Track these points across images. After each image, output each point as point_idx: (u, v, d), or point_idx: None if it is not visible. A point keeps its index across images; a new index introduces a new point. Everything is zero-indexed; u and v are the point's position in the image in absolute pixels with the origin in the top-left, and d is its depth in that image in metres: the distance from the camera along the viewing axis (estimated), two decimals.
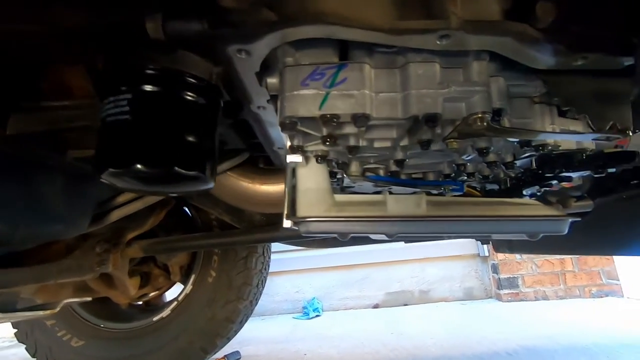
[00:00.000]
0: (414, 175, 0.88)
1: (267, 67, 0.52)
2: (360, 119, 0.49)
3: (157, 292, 2.14)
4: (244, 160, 1.19)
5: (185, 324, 1.92)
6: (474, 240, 3.77)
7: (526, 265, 3.45)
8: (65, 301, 1.17)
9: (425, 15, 0.43)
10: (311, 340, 2.63)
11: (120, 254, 1.36)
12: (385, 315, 3.27)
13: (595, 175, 0.68)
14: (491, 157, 0.66)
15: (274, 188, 1.28)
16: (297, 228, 0.63)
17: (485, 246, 3.66)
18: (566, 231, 0.62)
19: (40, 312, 1.09)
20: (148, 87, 0.48)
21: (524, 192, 0.82)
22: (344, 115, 0.49)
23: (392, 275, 3.79)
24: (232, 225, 1.64)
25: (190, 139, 0.50)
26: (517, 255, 3.48)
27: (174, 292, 2.11)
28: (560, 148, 0.59)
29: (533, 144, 0.57)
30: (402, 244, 3.85)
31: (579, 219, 0.61)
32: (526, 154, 0.64)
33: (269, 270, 2.43)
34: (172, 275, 2.04)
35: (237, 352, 2.26)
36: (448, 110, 0.50)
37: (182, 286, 2.04)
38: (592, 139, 0.56)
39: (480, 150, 0.58)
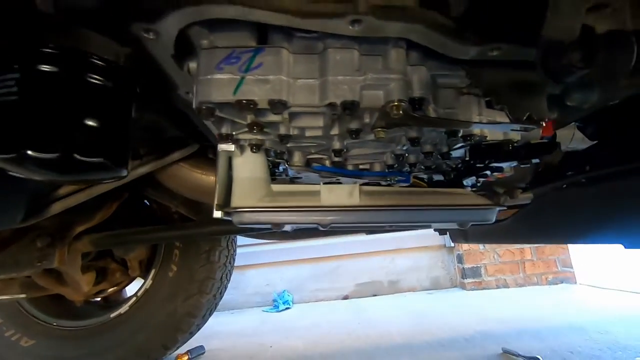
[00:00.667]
0: (361, 167, 0.88)
1: (187, 50, 0.50)
2: (276, 105, 0.48)
3: (115, 288, 2.06)
4: (196, 151, 1.16)
5: (144, 320, 1.87)
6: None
7: (489, 255, 3.59)
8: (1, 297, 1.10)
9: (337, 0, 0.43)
10: (278, 332, 2.63)
11: (67, 248, 1.29)
12: (354, 306, 3.32)
13: (521, 166, 0.70)
14: (427, 147, 0.67)
15: None
16: (229, 219, 0.61)
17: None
18: (493, 220, 0.64)
19: None
20: (41, 66, 0.44)
21: (465, 183, 0.84)
22: (260, 101, 0.48)
23: (362, 266, 3.85)
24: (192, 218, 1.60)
25: (92, 123, 0.47)
26: (481, 246, 3.62)
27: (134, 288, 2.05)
28: (487, 139, 0.60)
29: (460, 135, 0.58)
30: (372, 235, 3.92)
31: (504, 207, 0.63)
32: (458, 145, 0.65)
33: (240, 264, 2.40)
34: (130, 270, 1.97)
35: (202, 347, 2.22)
36: (366, 98, 0.50)
37: (143, 281, 1.99)
38: (511, 130, 0.57)
39: (412, 140, 0.58)
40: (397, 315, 2.82)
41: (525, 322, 2.30)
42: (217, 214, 0.60)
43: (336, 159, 0.76)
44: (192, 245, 1.91)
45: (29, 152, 0.44)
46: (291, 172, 0.86)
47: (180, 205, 1.50)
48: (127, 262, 1.96)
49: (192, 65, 0.52)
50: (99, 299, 2.17)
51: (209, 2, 0.41)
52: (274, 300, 3.62)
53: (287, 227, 0.64)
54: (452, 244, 3.78)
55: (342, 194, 0.61)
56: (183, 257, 1.91)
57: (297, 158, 0.76)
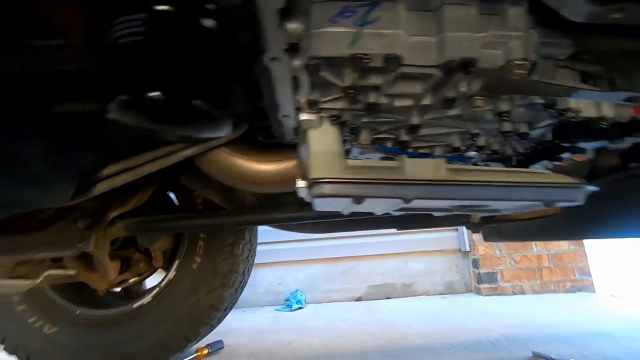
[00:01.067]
0: (421, 151, 0.87)
1: (287, 9, 0.48)
2: (392, 61, 0.46)
3: (137, 278, 2.05)
4: (241, 134, 1.14)
5: (167, 312, 1.85)
6: (456, 235, 3.85)
7: (505, 261, 3.54)
8: (49, 272, 1.08)
9: None
10: (295, 331, 2.60)
11: (103, 232, 1.28)
12: (368, 308, 3.28)
13: (612, 146, 0.68)
14: (507, 126, 0.65)
15: (271, 167, 1.24)
16: (310, 191, 0.60)
17: (467, 241, 3.73)
18: (583, 201, 0.61)
19: (23, 282, 1.01)
20: (163, 7, 0.43)
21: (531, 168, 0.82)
22: (375, 55, 0.46)
23: (375, 268, 3.81)
24: (219, 209, 1.58)
25: (212, 72, 0.46)
26: (497, 251, 3.58)
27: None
28: (580, 115, 0.58)
29: (556, 107, 0.56)
30: (386, 237, 3.89)
31: (597, 188, 0.61)
32: (544, 123, 0.63)
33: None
34: (154, 261, 1.96)
35: (221, 342, 2.20)
36: (484, 56, 0.48)
37: (164, 274, 1.97)
38: (618, 100, 0.55)
39: (501, 113, 0.56)
40: (413, 318, 2.78)
41: (549, 327, 2.25)
42: (302, 183, 0.58)
43: (405, 138, 0.75)
44: (216, 237, 1.89)
45: (155, 93, 0.42)
46: (353, 153, 0.84)
47: (214, 193, 1.49)
48: (151, 252, 1.95)
49: (291, 25, 0.50)
50: (119, 289, 2.16)
51: None
52: (287, 300, 3.59)
53: (368, 207, 0.62)
54: (468, 249, 3.74)
55: (428, 167, 0.59)
56: (207, 249, 1.89)
57: (365, 137, 0.74)
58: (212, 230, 1.76)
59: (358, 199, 0.60)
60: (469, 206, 0.65)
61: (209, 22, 0.45)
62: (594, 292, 3.36)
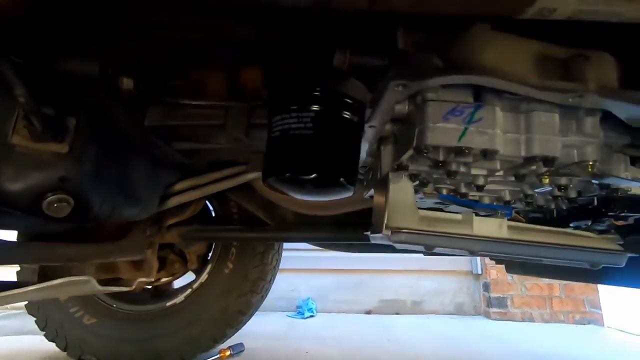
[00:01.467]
0: (470, 197, 0.97)
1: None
2: (490, 154, 0.56)
3: (170, 278, 2.16)
4: None
5: (198, 312, 1.96)
6: (468, 257, 3.91)
7: (516, 287, 3.59)
8: (139, 280, 1.21)
9: (563, 76, 0.52)
10: (309, 339, 2.69)
11: (160, 238, 1.40)
12: (379, 322, 3.35)
13: None
14: (559, 192, 0.75)
15: None
16: (388, 236, 0.70)
17: (479, 264, 3.78)
18: (624, 264, 0.71)
19: (123, 288, 1.13)
20: (326, 107, 0.55)
21: (571, 224, 0.91)
22: (476, 149, 0.57)
23: (386, 283, 3.88)
24: (253, 219, 1.67)
25: (351, 154, 0.57)
26: (509, 276, 3.63)
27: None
28: (628, 192, 0.68)
29: (610, 187, 0.66)
30: (398, 253, 3.96)
31: (638, 255, 0.70)
32: (594, 193, 0.73)
33: None
34: (189, 263, 2.07)
35: (242, 344, 2.30)
36: (563, 154, 0.58)
37: (192, 275, 2.07)
38: None
39: (560, 186, 0.66)
40: (424, 337, 2.85)
41: (558, 359, 2.31)
42: (387, 232, 0.69)
43: (464, 191, 0.85)
44: (248, 245, 1.99)
45: (314, 175, 0.53)
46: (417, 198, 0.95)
47: (260, 208, 1.60)
48: (186, 255, 2.06)
49: (399, 107, 0.61)
50: (150, 287, 2.27)
51: (467, 73, 0.50)
52: (298, 307, 3.68)
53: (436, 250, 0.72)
54: (479, 271, 3.80)
55: (492, 226, 0.69)
56: (239, 256, 1.99)
57: (430, 189, 0.85)
58: (257, 242, 1.85)
59: (429, 247, 0.70)
60: (526, 259, 0.74)
61: (351, 115, 0.56)
62: (603, 325, 3.39)
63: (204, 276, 2.04)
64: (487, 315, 3.59)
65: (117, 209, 0.79)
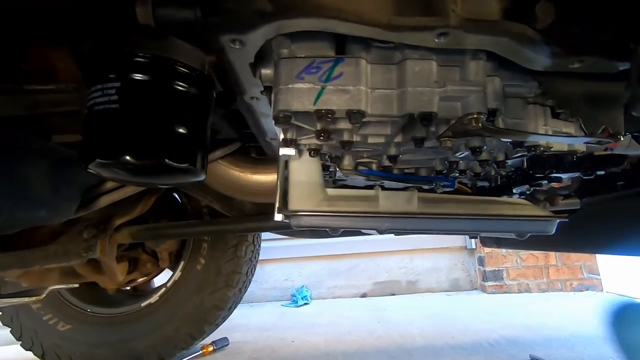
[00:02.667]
0: (406, 171, 0.88)
1: (261, 57, 0.51)
2: (355, 115, 0.48)
3: (145, 278, 2.13)
4: (236, 149, 1.18)
5: (173, 310, 1.92)
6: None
7: (511, 259, 3.53)
8: (52, 287, 1.16)
9: (424, 12, 0.43)
10: (299, 328, 2.66)
11: (108, 240, 1.34)
12: (372, 305, 3.32)
13: (584, 177, 0.69)
14: (483, 155, 0.66)
15: (265, 178, 1.27)
16: (288, 221, 0.63)
17: (472, 239, 3.72)
18: (553, 231, 0.63)
19: (26, 299, 1.07)
20: (138, 75, 0.46)
21: (514, 190, 0.83)
22: (338, 111, 0.48)
23: (380, 265, 3.84)
24: (222, 213, 1.63)
25: (181, 130, 0.49)
26: (503, 250, 3.56)
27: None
28: (551, 149, 0.59)
29: (525, 145, 0.57)
30: (390, 235, 3.91)
31: (566, 219, 0.62)
32: (518, 154, 0.64)
33: (259, 258, 2.45)
34: (160, 262, 2.03)
35: (226, 339, 2.27)
36: (443, 109, 0.50)
37: (171, 272, 2.04)
38: (584, 142, 0.56)
39: (473, 149, 0.58)
40: (416, 316, 2.81)
41: (552, 329, 2.25)
42: (279, 217, 0.61)
43: (387, 164, 0.77)
44: (219, 239, 1.94)
45: (127, 157, 0.46)
46: (338, 175, 0.87)
47: (215, 201, 1.53)
48: (158, 254, 2.02)
49: (265, 71, 0.53)
50: (128, 288, 2.24)
51: (302, 16, 0.41)
52: (293, 296, 3.66)
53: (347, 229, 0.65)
54: (474, 246, 3.73)
55: (400, 200, 0.61)
56: (211, 250, 1.95)
57: (347, 162, 0.76)
58: (213, 236, 1.81)
59: (334, 230, 0.63)
60: (442, 233, 0.67)
61: (184, 86, 0.48)
62: (602, 291, 3.33)
63: (177, 274, 2.00)
64: (484, 290, 3.54)
65: (7, 214, 0.72)
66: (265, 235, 3.09)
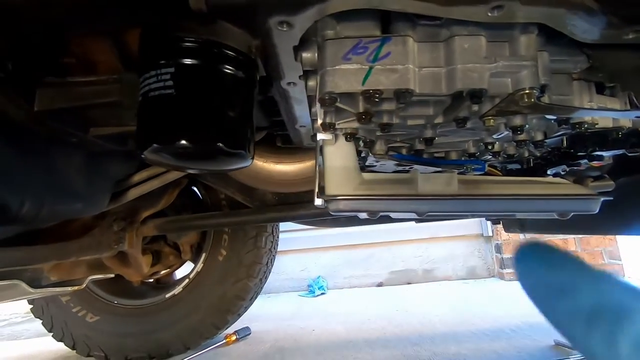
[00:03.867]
0: (435, 155, 0.88)
1: (302, 40, 0.50)
2: (403, 95, 0.48)
3: (167, 270, 2.17)
4: (259, 138, 1.18)
5: (196, 301, 1.96)
6: (478, 220, 3.81)
7: None
8: (92, 277, 1.19)
9: None
10: (318, 317, 2.69)
11: (135, 232, 1.37)
12: (389, 294, 3.33)
13: (629, 154, 0.67)
14: (521, 136, 0.65)
15: (289, 168, 1.28)
16: (326, 206, 0.63)
17: (489, 226, 3.69)
18: (597, 210, 0.62)
19: (69, 288, 1.11)
20: (191, 60, 0.46)
21: (548, 172, 0.81)
22: (386, 90, 0.48)
23: (396, 254, 3.84)
24: (241, 204, 1.64)
25: (233, 115, 0.49)
26: (521, 235, 3.52)
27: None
28: (596, 126, 0.58)
29: (571, 122, 0.56)
30: (406, 223, 3.89)
31: (610, 198, 0.61)
32: (559, 133, 0.63)
33: None
34: (182, 254, 2.07)
35: (247, 328, 2.31)
36: (494, 85, 0.49)
37: (192, 265, 2.08)
38: (635, 117, 0.55)
39: (515, 128, 0.57)
40: (434, 304, 2.81)
41: None
42: (319, 201, 0.61)
43: (420, 148, 0.76)
44: (240, 231, 1.97)
45: (183, 142, 0.46)
46: (369, 161, 0.87)
47: (236, 192, 1.54)
48: (180, 246, 2.05)
49: (306, 55, 0.53)
50: (152, 280, 2.29)
51: None
52: (309, 286, 3.69)
53: (385, 214, 0.65)
54: (490, 234, 3.70)
55: (440, 182, 0.61)
56: (232, 242, 1.97)
57: (379, 146, 0.76)
58: (236, 227, 1.83)
59: (372, 214, 0.63)
60: (484, 215, 0.66)
61: (233, 70, 0.48)
62: (624, 276, 3.27)
63: (200, 265, 2.04)
64: (501, 277, 3.52)
65: (48, 207, 0.74)
66: (281, 226, 3.12)
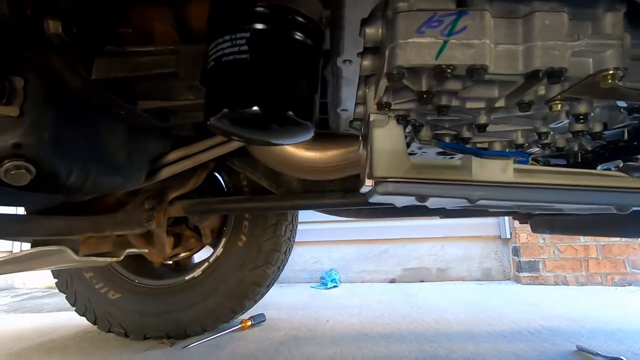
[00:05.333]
0: (478, 145, 0.86)
1: (369, 15, 0.49)
2: (477, 71, 0.46)
3: (187, 253, 2.20)
4: None
5: (215, 285, 1.99)
6: (495, 221, 3.75)
7: (548, 250, 3.42)
8: (129, 251, 1.21)
9: None
10: (331, 308, 2.70)
11: (163, 212, 1.39)
12: (402, 290, 3.31)
13: None
14: (580, 126, 0.63)
15: (320, 155, 1.27)
16: (374, 189, 0.62)
17: (507, 228, 3.63)
18: None
19: (109, 259, 1.14)
20: (267, 26, 0.46)
21: (598, 168, 0.78)
22: (460, 66, 0.46)
23: (410, 251, 3.82)
24: (263, 191, 1.65)
25: (303, 84, 0.49)
26: (540, 239, 3.46)
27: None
28: None
29: None
30: (421, 221, 3.85)
31: None
32: (623, 124, 0.60)
33: None
34: (203, 238, 2.09)
35: (262, 315, 2.33)
36: (574, 65, 0.47)
37: (211, 250, 2.10)
38: None
39: (579, 115, 0.55)
40: (449, 303, 2.78)
41: (596, 322, 2.18)
42: (369, 182, 0.61)
43: (466, 135, 0.74)
44: (260, 218, 1.98)
45: (256, 108, 0.46)
46: (411, 148, 0.85)
47: (262, 177, 1.55)
48: (201, 230, 2.08)
49: (369, 30, 0.51)
50: (171, 262, 2.33)
51: None
52: (322, 278, 3.70)
53: (430, 203, 0.63)
54: (508, 236, 3.64)
55: (495, 169, 0.59)
56: (252, 228, 1.99)
57: (425, 133, 0.74)
58: (261, 213, 1.84)
59: (422, 198, 0.61)
60: (535, 206, 0.64)
61: (300, 36, 0.47)
62: None
63: (219, 250, 2.06)
64: (518, 280, 3.46)
65: (92, 179, 0.75)
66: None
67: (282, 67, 0.47)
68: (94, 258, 1.05)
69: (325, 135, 1.23)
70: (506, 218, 3.66)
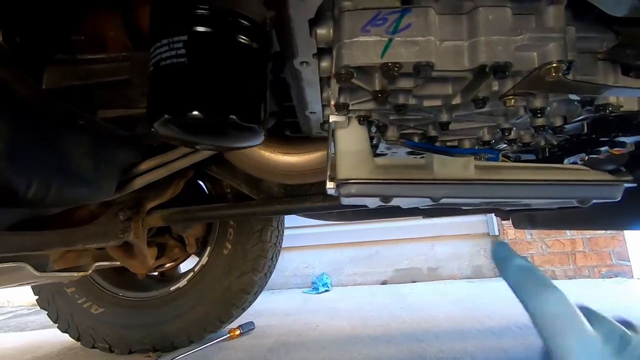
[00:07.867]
0: (448, 143, 0.86)
1: (318, 15, 0.49)
2: (424, 68, 0.46)
3: (172, 263, 2.17)
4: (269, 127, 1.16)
5: (201, 294, 1.96)
6: (484, 219, 3.77)
7: (536, 245, 3.45)
8: (98, 264, 1.18)
9: None
10: (322, 313, 2.68)
11: (141, 222, 1.36)
12: (394, 291, 3.31)
13: None
14: (540, 121, 0.63)
15: (296, 158, 1.26)
16: (338, 192, 0.61)
17: (495, 225, 3.65)
18: (619, 197, 0.60)
19: (75, 274, 1.10)
20: (205, 29, 0.45)
21: (565, 162, 0.79)
22: (406, 64, 0.46)
23: (401, 252, 3.82)
24: (247, 197, 1.63)
25: (246, 87, 0.48)
26: (528, 235, 3.49)
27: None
28: (621, 109, 0.56)
29: (595, 104, 0.54)
30: (411, 221, 3.86)
31: (634, 184, 0.59)
32: (581, 117, 0.61)
33: None
34: (187, 247, 2.06)
35: (252, 323, 2.30)
36: (519, 59, 0.47)
37: (197, 259, 2.07)
38: None
39: (535, 110, 0.55)
40: (440, 302, 2.79)
41: None
42: (331, 185, 0.60)
43: (432, 134, 0.74)
44: (245, 224, 1.96)
45: (196, 112, 0.45)
46: (380, 148, 0.85)
47: (242, 183, 1.53)
48: (185, 239, 2.05)
49: (320, 31, 0.51)
50: (156, 273, 2.29)
51: None
52: (313, 283, 3.68)
53: (396, 203, 0.63)
54: (497, 233, 3.67)
55: (457, 167, 0.59)
56: (237, 235, 1.97)
57: (392, 132, 0.74)
58: (241, 219, 1.82)
59: (386, 199, 0.61)
60: (499, 203, 0.64)
61: (241, 38, 0.46)
62: (633, 277, 3.23)
63: (204, 258, 2.04)
64: None
65: (55, 191, 0.73)
66: (285, 222, 3.10)
67: (221, 70, 0.46)
68: (57, 274, 1.02)
69: (303, 139, 1.23)
70: (494, 215, 3.69)
